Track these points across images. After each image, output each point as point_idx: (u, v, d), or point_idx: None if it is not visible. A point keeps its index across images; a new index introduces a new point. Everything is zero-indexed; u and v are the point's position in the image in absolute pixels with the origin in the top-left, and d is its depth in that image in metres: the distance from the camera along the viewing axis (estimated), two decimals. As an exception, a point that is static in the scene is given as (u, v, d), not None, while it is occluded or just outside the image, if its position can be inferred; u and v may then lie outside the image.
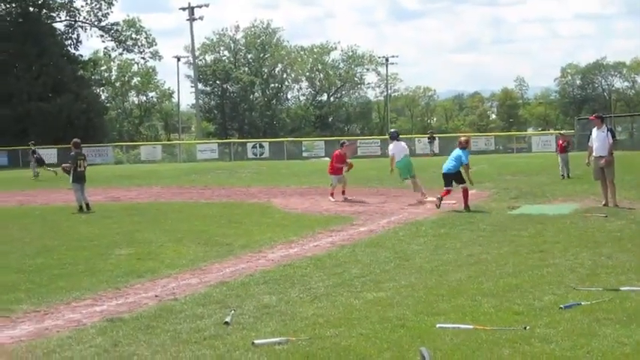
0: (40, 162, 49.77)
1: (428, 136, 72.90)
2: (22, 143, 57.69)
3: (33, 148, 51.27)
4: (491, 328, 9.58)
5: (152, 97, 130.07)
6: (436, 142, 69.67)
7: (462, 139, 24.70)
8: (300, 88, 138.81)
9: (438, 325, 9.81)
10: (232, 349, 9.23)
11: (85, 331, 10.32)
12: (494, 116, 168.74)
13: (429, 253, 15.77)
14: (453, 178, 23.59)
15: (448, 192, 23.73)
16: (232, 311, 10.84)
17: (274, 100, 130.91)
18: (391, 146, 27.97)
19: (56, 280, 14.00)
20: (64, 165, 28.43)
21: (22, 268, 15.52)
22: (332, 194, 27.79)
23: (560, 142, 35.70)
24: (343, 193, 27.76)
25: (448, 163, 23.83)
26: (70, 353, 9.39)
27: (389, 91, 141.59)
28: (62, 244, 18.76)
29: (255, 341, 9.35)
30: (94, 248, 17.96)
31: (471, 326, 9.67)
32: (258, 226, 21.22)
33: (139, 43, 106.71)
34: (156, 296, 12.42)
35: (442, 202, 23.47)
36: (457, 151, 23.80)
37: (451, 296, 11.54)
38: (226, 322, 10.32)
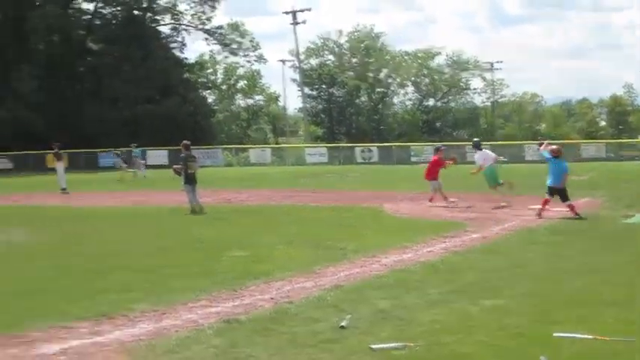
0: (127, 162, 51.25)
1: (538, 143, 71.88)
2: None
3: (134, 150, 52.74)
4: (611, 338, 9.44)
5: (259, 100, 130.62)
6: (545, 148, 68.60)
7: (554, 147, 24.43)
8: (406, 92, 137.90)
9: (554, 334, 9.72)
10: (349, 353, 9.29)
11: (202, 332, 10.49)
12: (603, 123, 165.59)
13: (544, 260, 15.64)
14: (556, 192, 23.27)
15: (547, 201, 23.40)
16: (348, 315, 10.88)
17: (380, 105, 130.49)
18: (476, 155, 28.83)
19: (172, 281, 14.26)
20: (174, 166, 28.73)
21: (138, 267, 15.86)
22: (431, 199, 27.86)
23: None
24: (445, 198, 27.64)
25: (554, 178, 23.44)
26: (190, 353, 9.57)
27: (495, 97, 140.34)
28: (176, 245, 19.12)
29: (373, 346, 9.39)
30: (207, 249, 18.24)
31: (590, 336, 9.54)
32: (370, 230, 21.28)
33: (244, 47, 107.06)
34: (271, 299, 12.54)
35: (545, 211, 23.28)
36: (553, 163, 23.51)
37: (568, 305, 11.42)
38: (342, 326, 10.37)
